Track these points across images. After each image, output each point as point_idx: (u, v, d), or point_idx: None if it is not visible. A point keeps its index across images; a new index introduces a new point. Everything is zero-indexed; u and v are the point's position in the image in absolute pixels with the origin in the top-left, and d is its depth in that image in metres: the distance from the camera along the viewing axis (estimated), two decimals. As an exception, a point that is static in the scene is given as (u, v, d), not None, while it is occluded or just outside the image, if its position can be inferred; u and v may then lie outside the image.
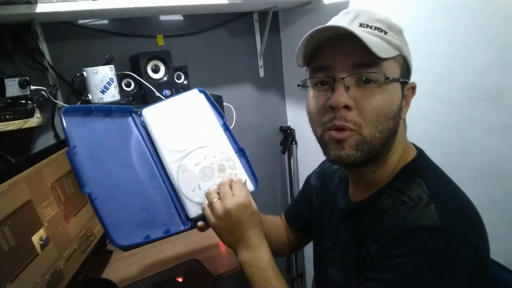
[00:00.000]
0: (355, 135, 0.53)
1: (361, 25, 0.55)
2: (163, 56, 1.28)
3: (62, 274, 0.80)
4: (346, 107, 0.53)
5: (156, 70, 1.29)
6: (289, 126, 1.71)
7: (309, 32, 0.53)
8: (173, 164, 0.71)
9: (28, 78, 1.01)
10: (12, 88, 0.98)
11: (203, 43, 1.46)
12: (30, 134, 1.19)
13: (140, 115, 0.76)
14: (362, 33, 0.51)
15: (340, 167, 0.75)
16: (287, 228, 0.91)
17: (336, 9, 1.30)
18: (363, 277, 0.53)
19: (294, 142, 1.69)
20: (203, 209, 0.68)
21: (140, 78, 1.24)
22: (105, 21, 1.28)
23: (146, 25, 1.34)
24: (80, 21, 1.23)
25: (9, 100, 0.99)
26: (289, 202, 1.81)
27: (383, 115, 0.53)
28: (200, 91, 0.80)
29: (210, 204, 0.66)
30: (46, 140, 1.22)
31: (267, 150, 1.71)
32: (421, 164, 0.59)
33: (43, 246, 0.75)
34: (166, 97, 0.79)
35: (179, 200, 0.71)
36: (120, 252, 1.12)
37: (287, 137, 1.68)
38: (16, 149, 1.14)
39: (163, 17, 1.38)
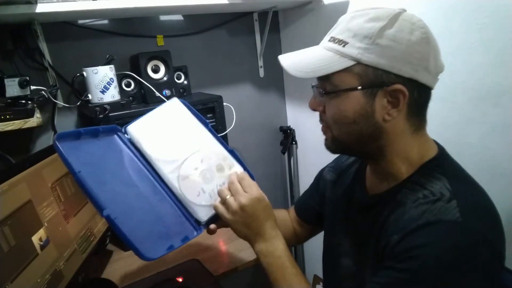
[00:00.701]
0: (328, 132, 0.63)
1: (330, 38, 0.60)
2: (163, 56, 1.28)
3: (62, 274, 0.80)
4: (316, 110, 0.63)
5: (156, 70, 1.29)
6: (289, 126, 1.71)
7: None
8: (171, 174, 0.72)
9: (28, 78, 1.01)
10: (12, 88, 0.98)
11: (203, 43, 1.46)
12: (30, 134, 1.19)
13: (125, 133, 0.76)
14: (306, 57, 0.60)
15: (355, 160, 0.78)
16: (294, 220, 0.94)
17: (336, 9, 1.31)
18: (383, 265, 0.55)
19: (294, 142, 1.69)
20: (215, 207, 0.70)
21: (140, 78, 1.24)
22: (105, 21, 1.28)
23: (146, 25, 1.34)
24: (80, 21, 1.23)
25: (9, 100, 0.99)
26: (289, 202, 1.81)
27: (339, 121, 0.60)
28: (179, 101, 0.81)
29: (224, 201, 0.69)
30: (46, 140, 1.22)
31: (267, 150, 1.71)
32: (442, 161, 0.61)
33: (43, 246, 0.75)
34: (146, 111, 0.81)
35: (185, 208, 0.72)
36: (120, 252, 1.12)
37: (287, 137, 1.68)
38: (16, 149, 1.14)
39: (163, 17, 1.38)
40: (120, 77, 1.25)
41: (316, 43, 0.63)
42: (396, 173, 0.61)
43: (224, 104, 1.29)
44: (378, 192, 0.65)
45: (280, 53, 1.65)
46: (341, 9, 1.26)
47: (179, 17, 1.41)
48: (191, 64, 1.40)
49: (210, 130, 0.79)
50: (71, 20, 1.20)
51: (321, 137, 0.66)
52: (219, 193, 0.70)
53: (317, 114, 0.65)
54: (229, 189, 0.70)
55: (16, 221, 0.69)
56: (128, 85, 1.28)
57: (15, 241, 0.68)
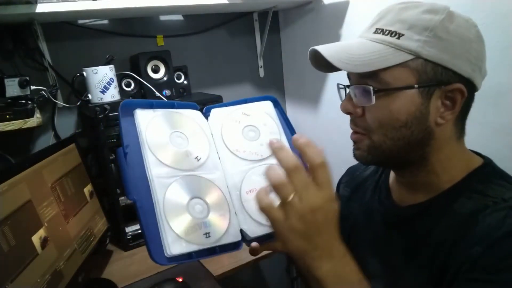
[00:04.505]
0: (365, 139, 0.56)
1: (376, 30, 0.54)
2: (163, 56, 1.28)
3: (62, 274, 0.80)
4: (350, 113, 0.56)
5: (156, 70, 1.29)
6: (289, 126, 1.71)
7: (308, 53, 0.56)
8: (239, 172, 0.57)
9: (28, 78, 1.01)
10: (12, 88, 0.98)
11: (203, 43, 1.46)
12: (30, 134, 1.19)
13: (207, 114, 0.63)
14: (351, 51, 0.52)
15: (374, 171, 0.72)
16: None
17: (336, 9, 1.31)
18: (468, 278, 0.48)
19: (294, 142, 1.68)
20: (267, 211, 0.46)
21: (140, 78, 1.24)
22: (105, 21, 1.28)
23: (146, 25, 1.34)
24: (80, 21, 1.23)
25: (9, 100, 0.99)
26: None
27: (387, 124, 0.53)
28: (271, 99, 0.66)
29: (284, 202, 0.44)
30: (46, 140, 1.22)
31: (267, 150, 1.70)
32: (496, 167, 0.57)
33: (43, 246, 0.75)
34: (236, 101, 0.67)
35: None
36: (120, 252, 1.12)
37: (287, 137, 1.68)
38: (16, 149, 1.14)
39: (163, 17, 1.38)
40: (120, 77, 1.25)
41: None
42: (435, 182, 0.56)
43: (224, 104, 1.29)
44: (413, 203, 0.58)
45: (280, 53, 1.67)
46: (341, 9, 1.26)
47: (179, 17, 1.41)
48: (191, 64, 1.40)
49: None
50: (71, 20, 1.20)
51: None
52: (278, 189, 0.44)
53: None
54: (293, 182, 0.44)
55: (16, 221, 0.69)
56: (128, 85, 1.29)
57: (15, 241, 0.68)
